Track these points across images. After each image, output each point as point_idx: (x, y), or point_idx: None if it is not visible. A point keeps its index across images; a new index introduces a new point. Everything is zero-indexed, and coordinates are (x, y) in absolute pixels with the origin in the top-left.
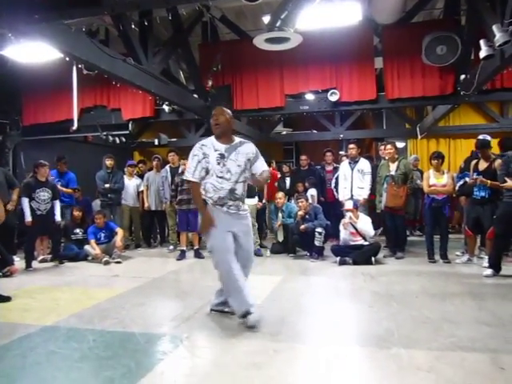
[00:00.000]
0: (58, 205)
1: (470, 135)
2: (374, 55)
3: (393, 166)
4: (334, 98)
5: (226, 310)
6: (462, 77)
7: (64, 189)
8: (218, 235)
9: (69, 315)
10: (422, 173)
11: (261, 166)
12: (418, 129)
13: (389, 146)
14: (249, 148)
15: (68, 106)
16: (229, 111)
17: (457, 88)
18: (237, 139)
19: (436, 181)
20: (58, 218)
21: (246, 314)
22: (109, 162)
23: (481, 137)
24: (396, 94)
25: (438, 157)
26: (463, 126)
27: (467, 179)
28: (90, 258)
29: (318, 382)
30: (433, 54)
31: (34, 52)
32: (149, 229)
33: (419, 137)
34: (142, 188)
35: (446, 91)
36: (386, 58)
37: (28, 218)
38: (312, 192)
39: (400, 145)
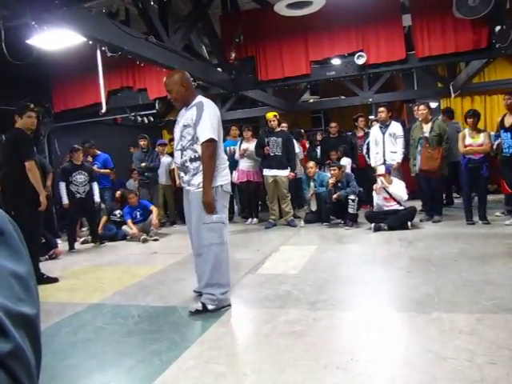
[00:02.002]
0: (96, 186)
1: (508, 90)
2: (401, 12)
3: (426, 128)
4: (361, 60)
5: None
6: (497, 28)
7: (101, 170)
8: None
9: (113, 293)
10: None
11: (199, 135)
12: (451, 87)
13: (422, 107)
14: (190, 113)
15: (95, 90)
16: (179, 72)
17: (492, 41)
18: (196, 100)
19: (472, 140)
20: (96, 198)
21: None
22: (142, 143)
23: None
24: (426, 52)
25: (474, 115)
26: (500, 81)
27: None
28: (128, 237)
29: (358, 348)
30: (464, 6)
31: (58, 38)
32: (182, 205)
33: (453, 95)
34: (173, 166)
35: (480, 45)
36: (414, 14)
37: (65, 200)
38: (345, 161)
39: (433, 105)
